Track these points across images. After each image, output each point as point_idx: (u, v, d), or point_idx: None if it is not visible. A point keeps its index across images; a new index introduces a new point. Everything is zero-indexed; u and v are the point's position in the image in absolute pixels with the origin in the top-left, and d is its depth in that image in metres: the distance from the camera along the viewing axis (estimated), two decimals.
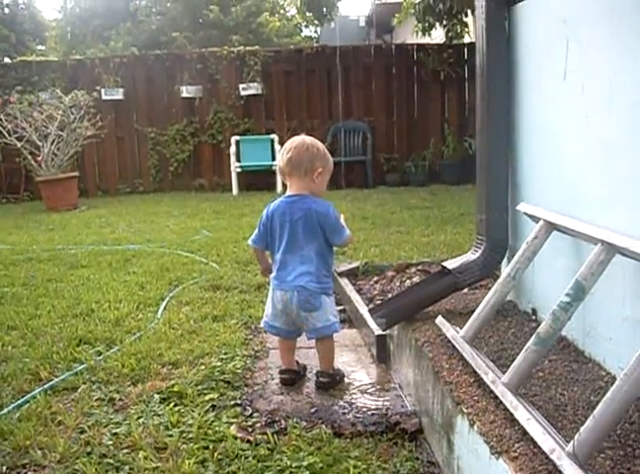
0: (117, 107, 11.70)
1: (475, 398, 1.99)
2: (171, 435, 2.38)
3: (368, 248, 5.47)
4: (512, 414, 1.80)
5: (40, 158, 9.94)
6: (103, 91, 11.47)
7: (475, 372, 2.12)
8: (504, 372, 1.98)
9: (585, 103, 2.23)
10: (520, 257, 2.27)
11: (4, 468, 2.22)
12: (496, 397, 1.93)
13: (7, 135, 9.94)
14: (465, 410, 1.93)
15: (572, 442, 1.52)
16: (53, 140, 9.95)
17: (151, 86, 11.86)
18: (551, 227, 2.23)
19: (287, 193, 2.84)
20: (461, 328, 2.41)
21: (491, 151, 2.85)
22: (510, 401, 1.83)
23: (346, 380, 2.88)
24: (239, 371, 2.97)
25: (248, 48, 12.07)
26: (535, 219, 2.35)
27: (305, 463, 2.15)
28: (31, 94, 10.89)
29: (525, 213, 2.48)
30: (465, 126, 11.20)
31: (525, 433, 1.70)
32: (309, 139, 2.85)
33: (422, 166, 11.28)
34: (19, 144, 9.91)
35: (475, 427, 1.83)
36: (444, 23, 10.92)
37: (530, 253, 2.26)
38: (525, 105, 2.75)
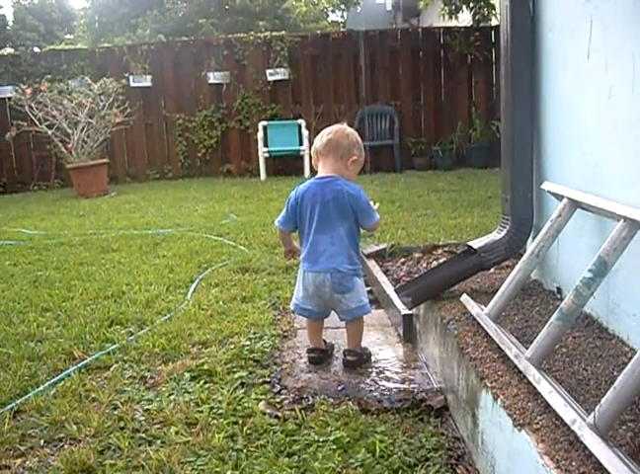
0: (145, 94, 11.79)
1: (499, 373, 2.02)
2: (201, 411, 2.44)
3: (395, 230, 5.49)
4: (534, 387, 1.82)
5: (70, 145, 10.07)
6: (131, 78, 11.59)
7: (499, 348, 2.15)
8: (528, 348, 2.00)
9: (609, 81, 2.23)
10: (543, 235, 2.28)
11: (42, 441, 2.30)
12: (519, 371, 1.96)
13: (38, 123, 10.07)
14: (489, 384, 1.96)
15: (593, 414, 1.54)
16: (83, 128, 10.07)
17: (179, 73, 11.93)
18: (575, 205, 2.24)
19: (318, 175, 2.88)
20: (486, 306, 2.43)
21: (515, 131, 2.85)
22: (532, 375, 1.86)
23: (372, 359, 2.92)
24: (268, 350, 3.02)
25: (274, 34, 12.09)
26: (559, 197, 2.36)
27: (332, 438, 2.20)
28: (60, 82, 11.03)
29: (550, 192, 2.49)
30: (493, 110, 11.13)
31: (548, 405, 1.72)
32: (349, 129, 2.92)
33: (449, 150, 11.25)
34: (49, 132, 10.04)
35: (499, 400, 1.86)
36: (471, 5, 10.88)
37: (554, 231, 2.27)
38: (549, 84, 2.76)
